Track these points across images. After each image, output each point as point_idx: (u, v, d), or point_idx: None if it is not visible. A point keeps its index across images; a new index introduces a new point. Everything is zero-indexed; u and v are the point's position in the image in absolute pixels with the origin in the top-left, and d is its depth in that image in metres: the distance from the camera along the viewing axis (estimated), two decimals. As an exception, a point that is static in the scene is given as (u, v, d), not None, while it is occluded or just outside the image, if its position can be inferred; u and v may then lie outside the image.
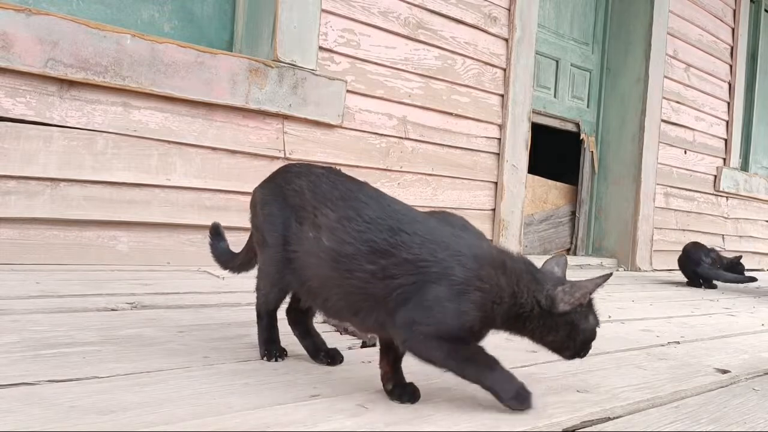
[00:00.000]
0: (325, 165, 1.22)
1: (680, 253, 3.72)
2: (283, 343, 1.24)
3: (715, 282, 3.59)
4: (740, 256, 3.85)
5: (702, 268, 3.49)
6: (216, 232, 1.45)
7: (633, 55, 4.50)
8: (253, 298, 1.88)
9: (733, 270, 3.71)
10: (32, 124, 2.09)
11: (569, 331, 1.02)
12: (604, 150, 4.62)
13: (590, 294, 1.00)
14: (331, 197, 1.06)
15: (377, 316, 1.00)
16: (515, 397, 0.98)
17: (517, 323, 1.01)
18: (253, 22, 2.73)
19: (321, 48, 2.75)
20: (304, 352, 1.25)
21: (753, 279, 3.59)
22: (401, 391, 1.03)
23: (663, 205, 4.72)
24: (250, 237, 1.31)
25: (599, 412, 1.05)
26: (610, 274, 1.02)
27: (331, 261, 1.02)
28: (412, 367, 1.07)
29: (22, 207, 2.08)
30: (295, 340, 1.25)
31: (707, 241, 5.12)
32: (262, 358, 1.20)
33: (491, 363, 0.99)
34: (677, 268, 3.78)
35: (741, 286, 3.73)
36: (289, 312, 1.26)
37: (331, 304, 1.06)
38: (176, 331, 1.37)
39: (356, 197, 1.05)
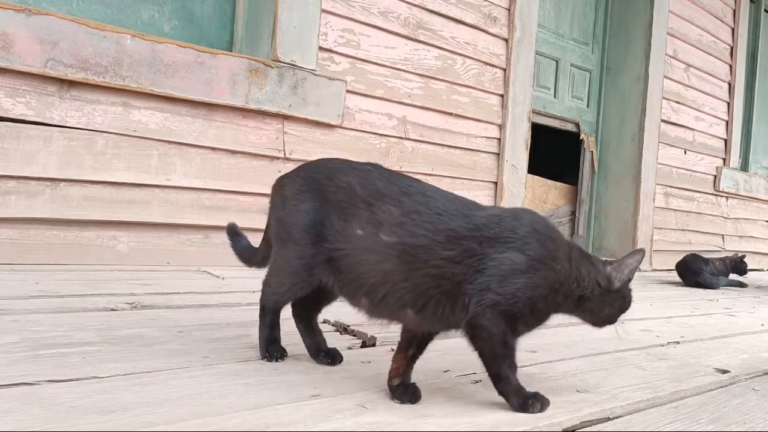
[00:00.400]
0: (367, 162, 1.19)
1: (679, 261, 3.76)
2: (282, 344, 1.24)
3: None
4: (743, 255, 3.89)
5: (703, 276, 3.57)
6: (233, 232, 1.40)
7: (633, 55, 4.50)
8: (253, 298, 1.88)
9: (737, 268, 3.80)
10: (32, 124, 2.09)
11: (621, 304, 1.11)
12: (604, 150, 4.62)
13: (635, 270, 1.10)
14: (391, 193, 1.06)
15: (452, 302, 1.01)
16: (522, 407, 1.01)
17: (579, 303, 1.07)
18: (253, 22, 2.73)
19: (321, 48, 2.75)
20: (303, 352, 1.25)
21: (743, 285, 3.77)
22: (404, 390, 1.03)
23: (663, 205, 4.72)
24: (267, 229, 1.27)
25: (599, 413, 1.05)
26: (643, 250, 1.13)
27: (399, 255, 1.02)
28: (416, 367, 1.07)
29: (22, 207, 2.08)
30: (295, 340, 1.25)
31: (707, 241, 5.15)
32: (263, 359, 1.20)
33: (515, 371, 1.02)
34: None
35: (742, 282, 3.90)
36: (295, 306, 1.24)
37: (393, 300, 1.04)
38: (176, 331, 1.37)
39: (420, 192, 1.07)
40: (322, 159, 1.23)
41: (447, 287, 1.01)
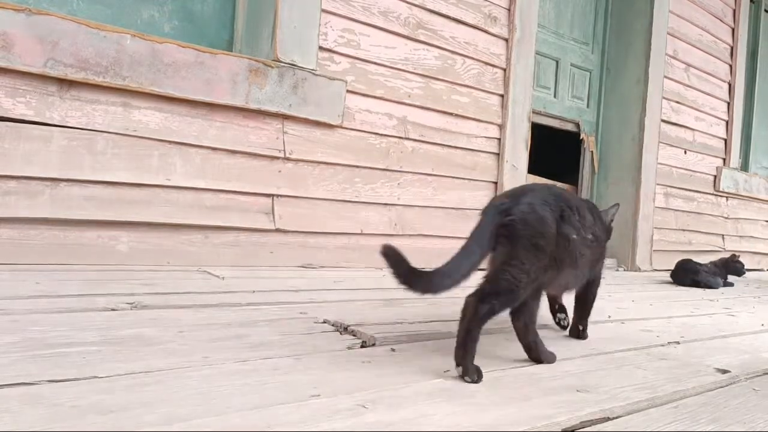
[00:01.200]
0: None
1: (673, 270, 3.76)
2: (280, 344, 1.24)
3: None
4: (737, 255, 3.89)
5: (701, 276, 3.58)
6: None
7: (633, 55, 4.50)
8: (253, 298, 1.88)
9: (732, 268, 3.81)
10: (32, 124, 2.09)
11: (609, 235, 1.66)
12: (604, 150, 4.62)
13: (615, 215, 1.69)
14: (581, 204, 1.49)
15: (587, 276, 1.56)
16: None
17: None
18: (253, 21, 2.73)
19: (321, 48, 2.75)
20: (303, 351, 1.25)
21: (730, 284, 3.79)
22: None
23: (663, 205, 4.72)
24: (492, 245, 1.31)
25: (598, 412, 1.05)
26: (618, 204, 1.72)
27: (594, 247, 1.50)
28: (415, 367, 1.07)
29: (22, 207, 2.08)
30: (294, 340, 1.25)
31: (707, 241, 5.15)
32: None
33: None
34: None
35: (742, 282, 3.93)
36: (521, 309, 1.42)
37: (572, 284, 1.54)
38: (176, 331, 1.37)
39: (587, 203, 1.56)
40: (535, 184, 1.65)
41: (589, 267, 1.53)
